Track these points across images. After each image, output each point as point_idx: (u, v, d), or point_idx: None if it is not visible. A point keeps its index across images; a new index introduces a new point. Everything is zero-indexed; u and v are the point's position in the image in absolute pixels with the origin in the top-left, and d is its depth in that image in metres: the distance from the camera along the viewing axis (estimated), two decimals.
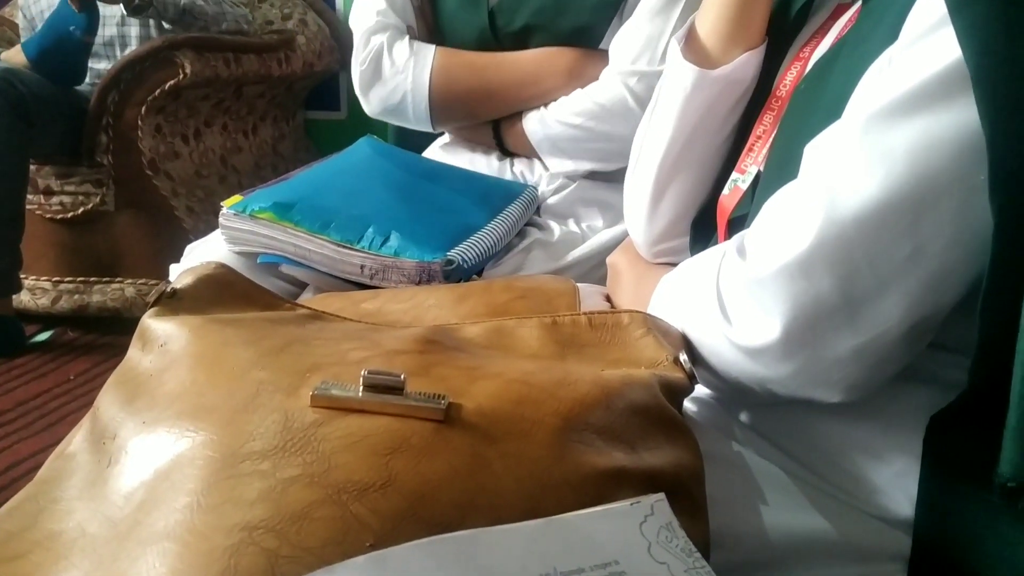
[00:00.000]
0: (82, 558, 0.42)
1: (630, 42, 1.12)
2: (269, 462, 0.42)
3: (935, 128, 0.49)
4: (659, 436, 0.51)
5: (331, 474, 0.42)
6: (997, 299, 0.47)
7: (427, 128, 1.28)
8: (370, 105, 1.28)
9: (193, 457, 0.44)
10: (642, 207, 0.80)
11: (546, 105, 1.20)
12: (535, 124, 1.19)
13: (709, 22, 0.73)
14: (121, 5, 2.09)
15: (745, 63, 0.72)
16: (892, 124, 0.51)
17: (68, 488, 0.48)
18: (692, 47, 0.74)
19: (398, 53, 1.23)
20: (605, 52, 1.17)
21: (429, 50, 1.23)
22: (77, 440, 0.53)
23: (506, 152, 1.28)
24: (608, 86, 1.13)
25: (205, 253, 1.05)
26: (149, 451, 0.46)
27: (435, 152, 1.35)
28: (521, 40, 1.22)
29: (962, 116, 0.48)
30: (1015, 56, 0.45)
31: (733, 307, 0.58)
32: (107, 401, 0.53)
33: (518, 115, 1.22)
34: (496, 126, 1.25)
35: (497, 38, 1.22)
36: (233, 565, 0.37)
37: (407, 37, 1.25)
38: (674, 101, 0.74)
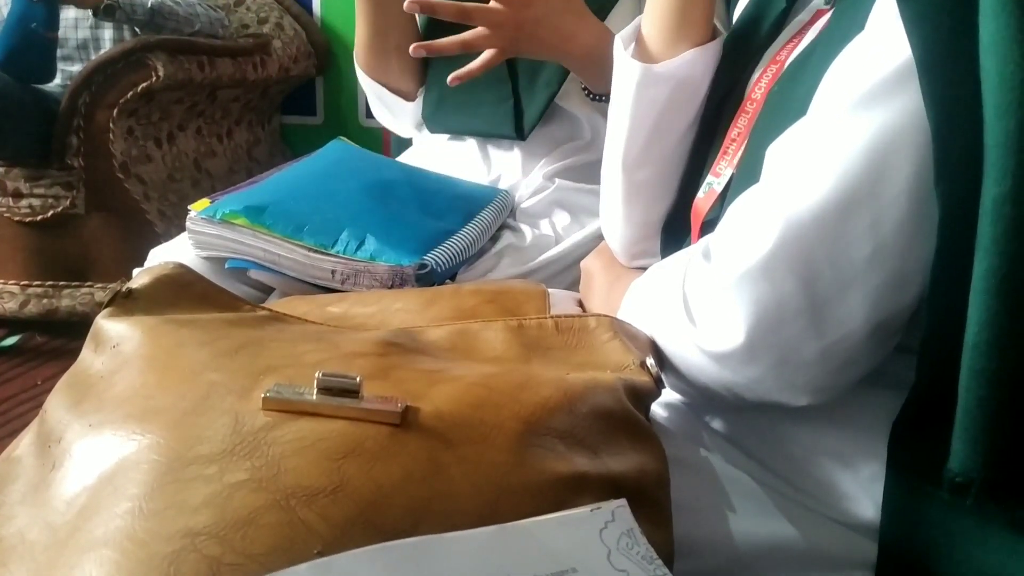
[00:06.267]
0: (19, 565, 0.41)
1: None
2: (216, 466, 0.41)
3: (890, 122, 0.49)
4: (623, 441, 0.50)
5: (280, 479, 0.40)
6: (943, 290, 0.47)
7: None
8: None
9: (138, 461, 0.42)
10: (616, 208, 0.79)
11: None
12: None
13: (652, 19, 0.72)
14: (89, 10, 2.06)
15: (692, 60, 0.71)
16: (849, 121, 0.50)
17: (11, 493, 0.47)
18: (638, 45, 0.73)
19: None
20: None
21: None
22: (24, 444, 0.51)
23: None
24: None
25: (170, 257, 1.03)
26: (94, 455, 0.44)
27: (409, 156, 1.34)
28: None
29: (916, 110, 0.48)
30: (958, 46, 0.45)
31: (698, 312, 0.57)
32: (55, 403, 0.52)
33: None
34: None
35: None
36: (173, 573, 0.36)
37: None
38: (625, 99, 0.73)
